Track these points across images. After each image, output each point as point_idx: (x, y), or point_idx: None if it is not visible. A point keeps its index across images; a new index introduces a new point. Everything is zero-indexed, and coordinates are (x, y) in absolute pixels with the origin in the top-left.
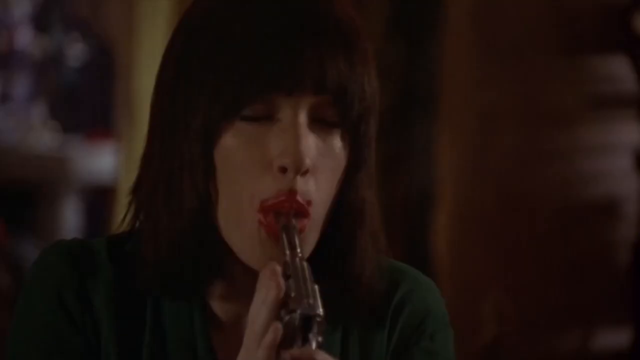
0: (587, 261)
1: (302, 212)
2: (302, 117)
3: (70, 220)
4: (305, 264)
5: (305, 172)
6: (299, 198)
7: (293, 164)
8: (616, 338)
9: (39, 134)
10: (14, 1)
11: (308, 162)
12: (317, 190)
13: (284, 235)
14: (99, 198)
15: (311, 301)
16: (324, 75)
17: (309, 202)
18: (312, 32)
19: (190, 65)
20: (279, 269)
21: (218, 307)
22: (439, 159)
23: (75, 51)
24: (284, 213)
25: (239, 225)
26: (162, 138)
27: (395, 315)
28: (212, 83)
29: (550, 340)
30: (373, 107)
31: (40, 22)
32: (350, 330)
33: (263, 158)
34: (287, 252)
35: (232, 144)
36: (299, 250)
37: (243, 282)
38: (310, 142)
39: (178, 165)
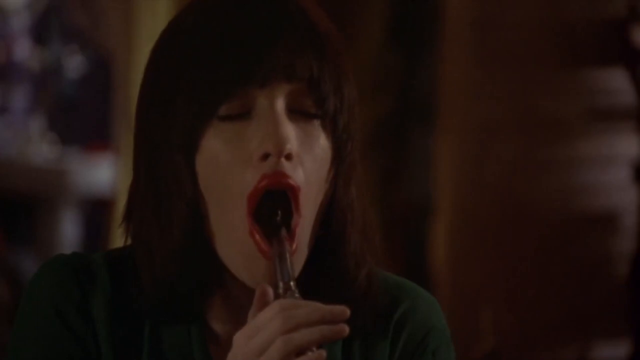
0: (585, 273)
1: (292, 194)
2: (279, 105)
3: (68, 232)
4: (296, 291)
5: (289, 157)
6: (290, 180)
7: (274, 148)
8: (614, 350)
9: (38, 145)
10: (12, 13)
11: (289, 146)
12: (307, 182)
13: (277, 263)
14: (97, 210)
15: None
16: (294, 63)
17: (299, 187)
18: (281, 27)
19: (165, 73)
20: (270, 291)
21: (216, 324)
22: (438, 169)
23: (74, 63)
24: (272, 189)
25: (230, 238)
26: (146, 154)
27: (398, 331)
28: (186, 86)
29: (548, 352)
30: (351, 103)
31: (39, 34)
32: (352, 345)
33: (245, 154)
34: (280, 283)
35: (213, 146)
36: (292, 282)
37: (241, 298)
38: (290, 129)
39: (164, 178)
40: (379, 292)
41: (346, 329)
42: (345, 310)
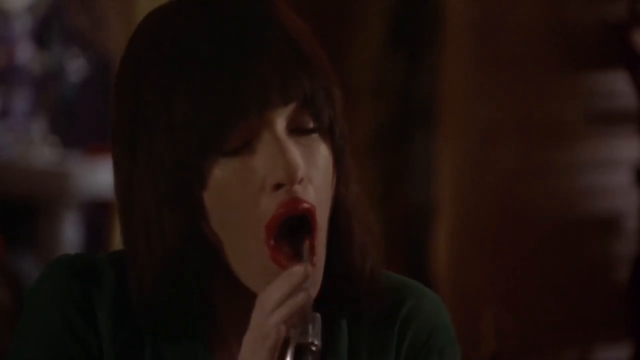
0: (586, 276)
1: (310, 216)
2: (281, 131)
3: (70, 235)
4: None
5: (300, 182)
6: (305, 205)
7: (286, 177)
8: (615, 354)
9: (39, 148)
10: (14, 16)
11: (300, 173)
12: (317, 197)
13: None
14: (98, 213)
15: (310, 330)
16: (287, 85)
17: (314, 207)
18: (267, 52)
19: (151, 105)
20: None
21: (220, 336)
22: (439, 172)
23: (75, 66)
24: (290, 216)
25: (250, 263)
26: (135, 184)
27: (403, 331)
28: (180, 125)
29: (549, 354)
30: (341, 107)
31: (41, 37)
32: (358, 344)
33: (255, 184)
34: None
35: (220, 181)
36: None
37: (242, 312)
38: (297, 154)
39: (156, 210)
40: (384, 291)
41: (309, 292)
42: (300, 270)
